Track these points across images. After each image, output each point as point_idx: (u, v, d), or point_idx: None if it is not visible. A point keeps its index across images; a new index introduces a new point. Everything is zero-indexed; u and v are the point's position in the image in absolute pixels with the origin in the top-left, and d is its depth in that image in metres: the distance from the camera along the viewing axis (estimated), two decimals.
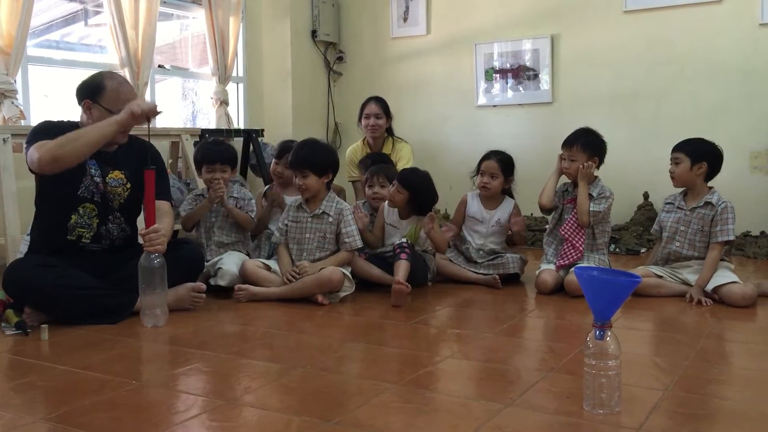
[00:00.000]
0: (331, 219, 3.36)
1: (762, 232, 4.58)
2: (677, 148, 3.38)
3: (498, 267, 3.61)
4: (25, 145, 2.89)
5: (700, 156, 3.30)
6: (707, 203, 3.29)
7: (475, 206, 3.75)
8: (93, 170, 2.98)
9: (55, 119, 3.04)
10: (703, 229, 3.29)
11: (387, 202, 3.64)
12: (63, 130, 2.84)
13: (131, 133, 3.13)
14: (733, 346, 2.64)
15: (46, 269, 2.77)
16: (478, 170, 3.75)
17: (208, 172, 3.55)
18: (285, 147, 3.81)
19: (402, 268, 3.25)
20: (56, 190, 2.94)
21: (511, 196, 3.80)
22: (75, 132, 2.78)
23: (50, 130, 2.86)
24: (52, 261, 2.82)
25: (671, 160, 3.38)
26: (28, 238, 3.15)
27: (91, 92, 2.92)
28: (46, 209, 2.97)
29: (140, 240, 2.95)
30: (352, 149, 4.83)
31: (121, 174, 3.05)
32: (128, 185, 3.07)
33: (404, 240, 3.41)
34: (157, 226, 2.88)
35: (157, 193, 3.15)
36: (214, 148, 3.65)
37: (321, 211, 3.37)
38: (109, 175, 3.02)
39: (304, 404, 1.97)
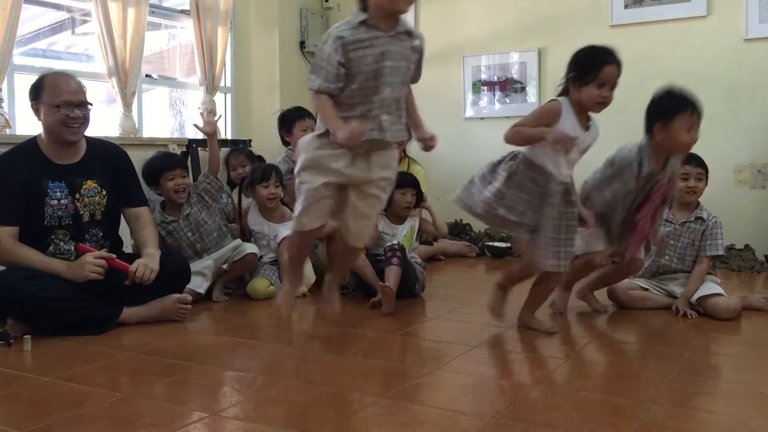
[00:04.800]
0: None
1: (746, 246, 4.61)
2: (699, 164, 3.31)
3: None
4: None
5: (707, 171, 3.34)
6: (698, 218, 3.32)
7: (569, 123, 2.72)
8: (58, 192, 2.93)
9: (9, 151, 3.00)
10: (693, 243, 3.31)
11: (401, 210, 3.63)
12: (19, 171, 2.87)
13: (96, 136, 3.15)
14: (718, 359, 2.65)
15: (30, 281, 2.73)
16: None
17: (169, 179, 3.51)
18: (267, 168, 3.80)
19: (393, 274, 3.26)
20: (22, 228, 2.89)
21: None
22: (29, 260, 2.81)
23: (6, 183, 2.85)
24: (36, 272, 2.79)
25: (694, 175, 3.29)
26: None
27: (35, 93, 2.93)
28: (23, 241, 2.88)
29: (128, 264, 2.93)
30: None
31: (94, 183, 3.03)
32: (104, 192, 3.05)
33: (396, 243, 3.42)
34: (140, 261, 2.93)
35: (133, 200, 3.16)
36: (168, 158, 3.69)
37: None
38: (83, 186, 3.00)
39: (289, 417, 1.96)
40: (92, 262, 2.82)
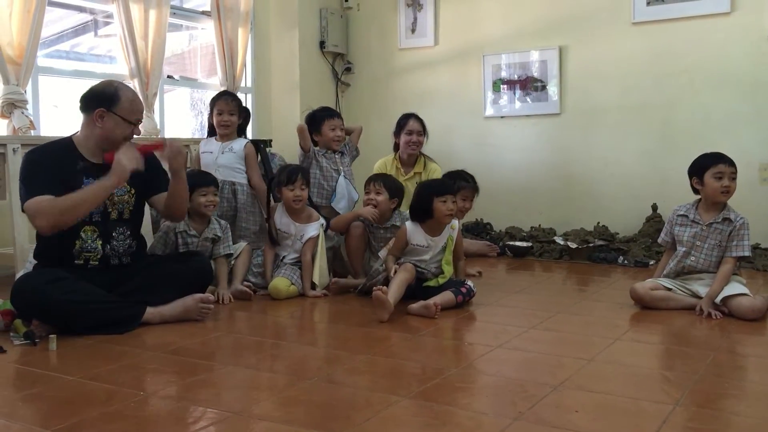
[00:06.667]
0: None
1: None
2: (732, 163, 3.28)
3: None
4: (20, 184, 2.88)
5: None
6: (725, 219, 3.28)
7: None
8: None
9: (45, 144, 3.03)
10: (720, 244, 3.28)
11: (444, 218, 3.45)
12: (56, 160, 2.88)
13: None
14: (744, 360, 2.62)
15: (54, 284, 2.76)
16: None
17: (202, 194, 3.55)
18: (294, 170, 3.80)
19: (446, 299, 3.28)
20: None
21: None
22: (73, 199, 2.78)
23: (43, 167, 2.86)
24: (61, 274, 2.81)
25: (728, 174, 3.25)
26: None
27: (106, 101, 2.92)
28: (48, 238, 2.90)
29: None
30: (382, 162, 4.79)
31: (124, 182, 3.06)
32: (132, 191, 3.08)
33: (473, 286, 3.45)
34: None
35: (163, 187, 3.19)
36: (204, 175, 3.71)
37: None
38: None
39: (311, 416, 1.96)
40: (127, 155, 2.85)
